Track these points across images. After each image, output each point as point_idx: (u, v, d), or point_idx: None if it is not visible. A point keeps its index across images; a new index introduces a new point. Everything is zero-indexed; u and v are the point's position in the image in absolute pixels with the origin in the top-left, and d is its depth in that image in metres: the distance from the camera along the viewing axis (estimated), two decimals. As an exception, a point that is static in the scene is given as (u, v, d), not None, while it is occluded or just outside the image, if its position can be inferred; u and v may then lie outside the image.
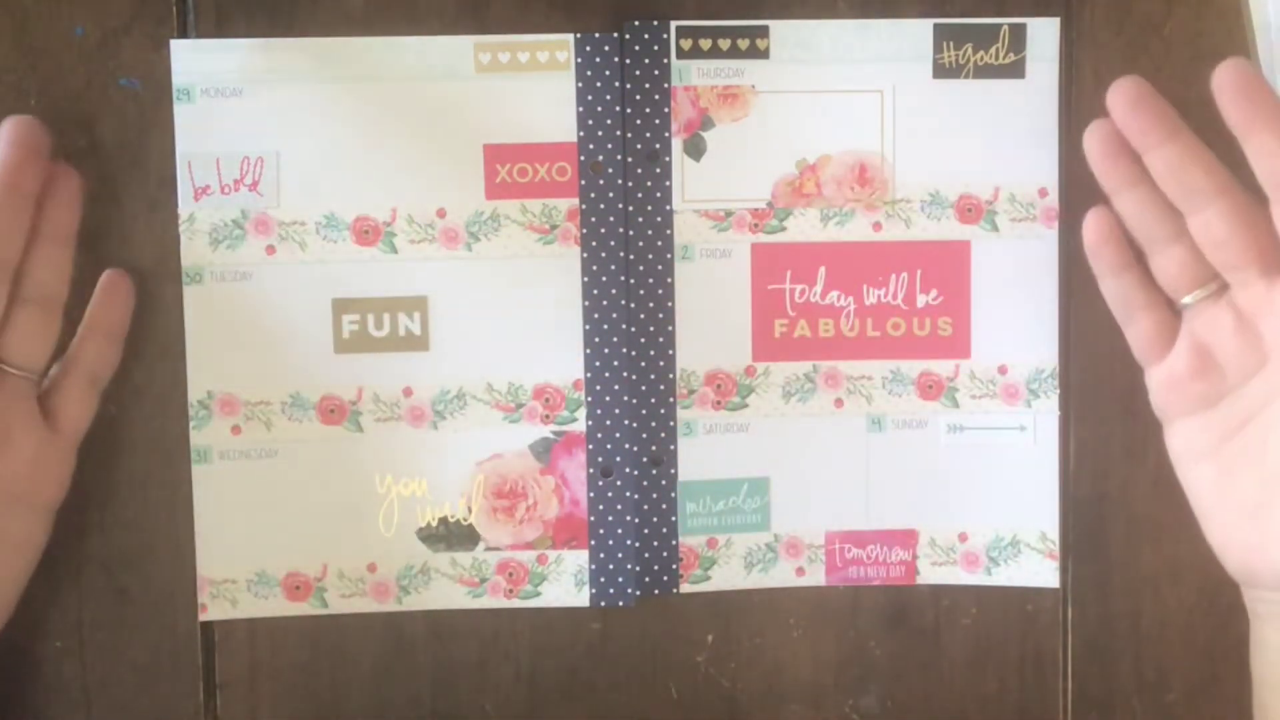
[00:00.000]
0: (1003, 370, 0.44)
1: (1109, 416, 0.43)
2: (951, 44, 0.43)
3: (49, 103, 0.42)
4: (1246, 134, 0.36)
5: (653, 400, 0.43)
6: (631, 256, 0.43)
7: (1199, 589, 0.43)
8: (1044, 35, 0.43)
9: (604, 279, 0.43)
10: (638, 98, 0.43)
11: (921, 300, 0.44)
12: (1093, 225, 0.40)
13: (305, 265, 0.43)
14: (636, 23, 0.42)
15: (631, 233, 0.43)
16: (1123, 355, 0.43)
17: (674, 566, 0.44)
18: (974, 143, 0.43)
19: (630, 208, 0.43)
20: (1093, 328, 0.43)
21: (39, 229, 0.39)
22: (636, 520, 0.43)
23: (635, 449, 0.43)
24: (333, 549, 0.43)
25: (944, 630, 0.44)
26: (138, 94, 0.42)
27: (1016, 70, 0.43)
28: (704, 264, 0.43)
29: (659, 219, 0.43)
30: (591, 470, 0.43)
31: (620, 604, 0.43)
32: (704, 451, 0.44)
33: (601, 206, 0.43)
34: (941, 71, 0.43)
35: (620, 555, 0.43)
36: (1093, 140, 0.39)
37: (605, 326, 0.43)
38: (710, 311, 0.43)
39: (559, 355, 0.43)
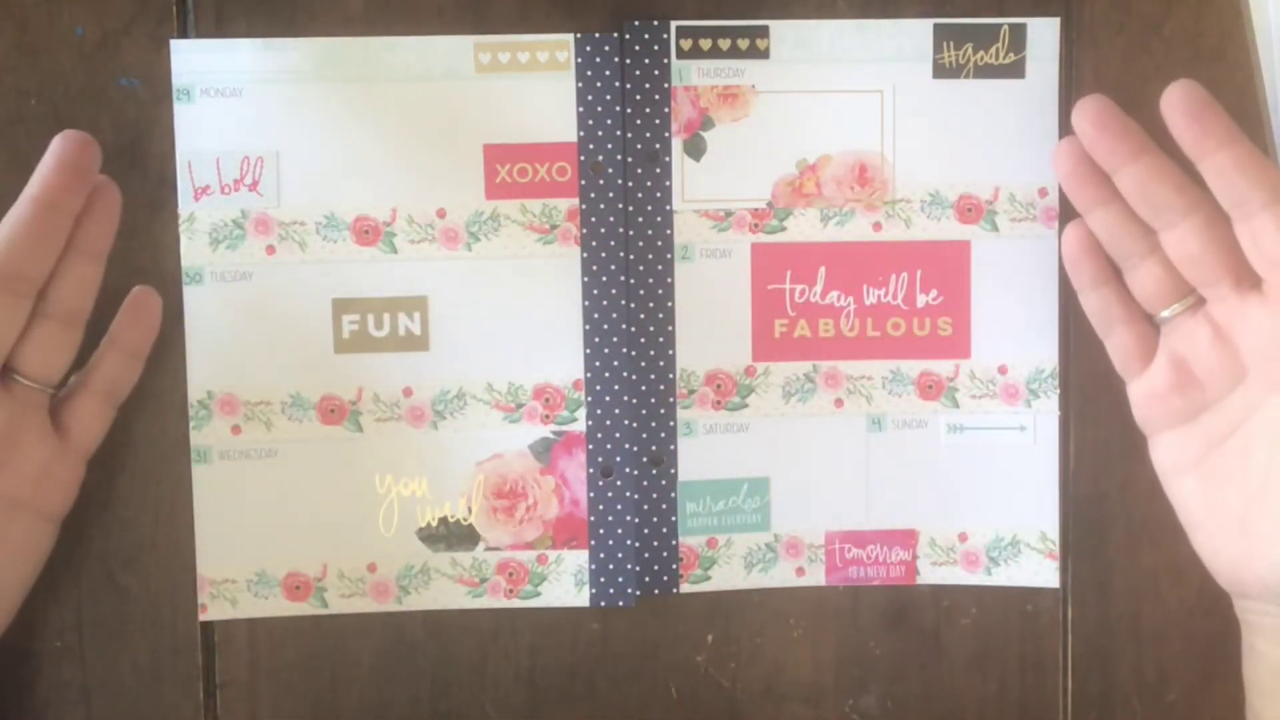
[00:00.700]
0: (1003, 370, 0.44)
1: (1109, 416, 0.43)
2: (951, 44, 0.43)
3: (49, 103, 0.42)
4: (1200, 155, 0.36)
5: (653, 400, 0.43)
6: (631, 256, 0.43)
7: (1199, 589, 0.43)
8: (1044, 35, 0.43)
9: (604, 279, 0.43)
10: (638, 98, 0.43)
11: (921, 300, 0.44)
12: (1070, 239, 0.40)
13: (305, 265, 0.43)
14: (636, 23, 0.42)
15: (631, 233, 0.43)
16: (1123, 355, 0.43)
17: (674, 566, 0.44)
18: (974, 143, 0.43)
19: (630, 208, 0.43)
20: (1092, 328, 0.43)
21: (72, 243, 0.38)
22: (636, 520, 0.43)
23: (635, 449, 0.43)
24: (333, 549, 0.43)
25: (944, 630, 0.44)
26: (138, 94, 0.42)
27: (1016, 70, 0.43)
28: (704, 264, 0.43)
29: (659, 219, 0.43)
30: (591, 470, 0.43)
31: (620, 604, 0.43)
32: (704, 451, 0.44)
33: (601, 206, 0.43)
34: (941, 71, 0.43)
35: (620, 555, 0.43)
36: (1061, 159, 0.39)
37: (605, 326, 0.43)
38: (710, 311, 0.43)
39: (559, 355, 0.43)
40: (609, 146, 0.43)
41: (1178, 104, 0.36)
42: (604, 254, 0.43)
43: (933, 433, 0.44)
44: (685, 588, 0.44)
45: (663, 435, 0.43)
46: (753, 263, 0.43)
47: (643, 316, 0.43)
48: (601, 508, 0.43)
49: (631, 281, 0.43)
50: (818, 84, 0.43)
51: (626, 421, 0.43)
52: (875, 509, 0.44)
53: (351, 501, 0.43)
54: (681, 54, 0.43)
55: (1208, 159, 0.36)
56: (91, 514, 0.42)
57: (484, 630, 0.44)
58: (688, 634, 0.44)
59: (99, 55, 0.42)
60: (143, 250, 0.42)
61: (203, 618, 0.43)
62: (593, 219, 0.43)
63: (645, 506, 0.43)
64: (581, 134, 0.43)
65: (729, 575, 0.44)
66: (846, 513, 0.44)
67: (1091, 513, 0.44)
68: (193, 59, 0.42)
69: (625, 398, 0.43)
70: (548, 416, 0.43)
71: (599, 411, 0.43)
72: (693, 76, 0.43)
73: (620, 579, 0.43)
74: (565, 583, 0.44)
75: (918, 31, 0.43)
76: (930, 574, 0.44)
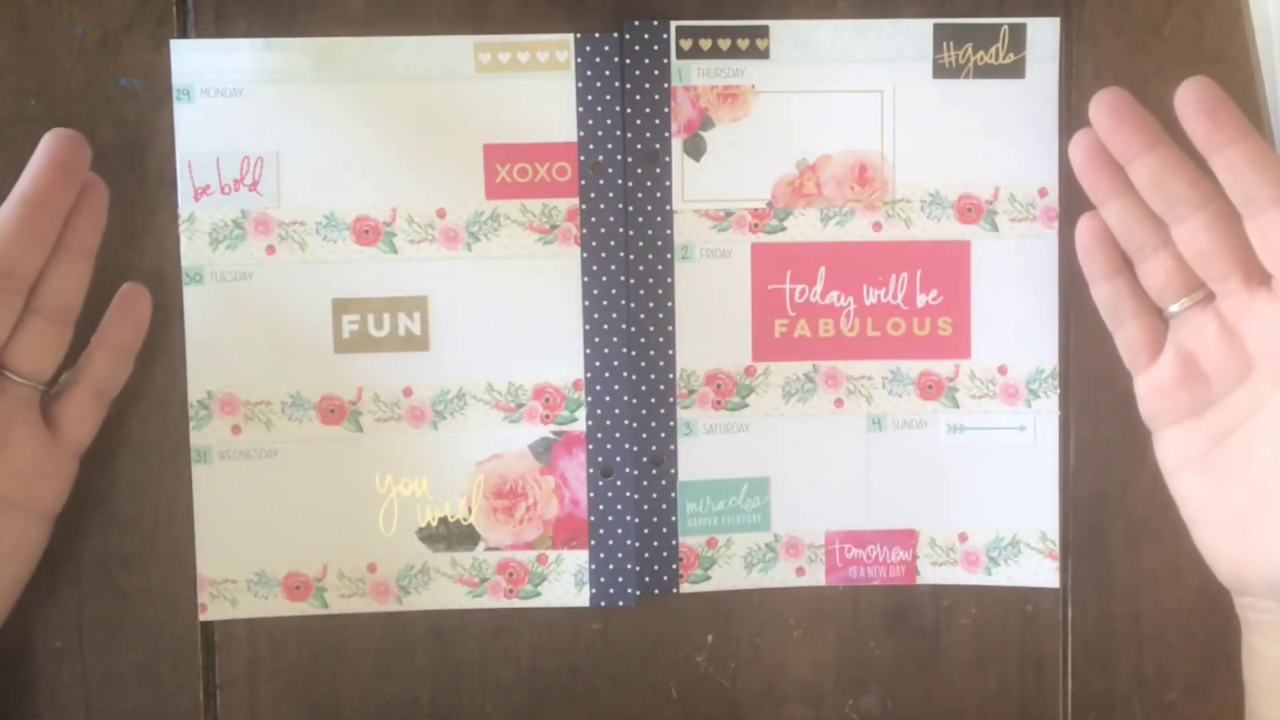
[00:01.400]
0: (1003, 370, 0.44)
1: (1109, 416, 0.43)
2: (951, 44, 0.43)
3: (49, 103, 0.42)
4: (1211, 151, 0.36)
5: (653, 400, 0.43)
6: (631, 256, 0.43)
7: (1199, 589, 0.43)
8: (1044, 35, 0.43)
9: (604, 279, 0.43)
10: (638, 98, 0.43)
11: (921, 300, 0.44)
12: (1084, 231, 0.41)
13: (305, 265, 0.43)
14: (636, 23, 0.42)
15: (631, 233, 0.43)
16: (1123, 355, 0.43)
17: (674, 566, 0.44)
18: (974, 143, 0.43)
19: (630, 208, 0.43)
20: (1093, 328, 0.43)
21: (62, 240, 0.38)
22: (636, 520, 0.43)
23: (635, 449, 0.43)
24: (333, 549, 0.43)
25: (944, 630, 0.44)
26: (138, 94, 0.42)
27: (1016, 70, 0.43)
28: (704, 264, 0.43)
29: (659, 219, 0.43)
30: (591, 470, 0.43)
31: (620, 604, 0.43)
32: (704, 451, 0.44)
33: (601, 206, 0.43)
34: (941, 71, 0.43)
35: (620, 555, 0.43)
36: (1077, 151, 0.40)
37: (605, 326, 0.43)
38: (710, 311, 0.43)
39: (559, 355, 0.43)
40: (609, 146, 0.43)
41: (1191, 99, 0.36)
42: (604, 254, 0.43)
43: (933, 433, 0.44)
44: (685, 588, 0.44)
45: (663, 435, 0.43)
46: (753, 263, 0.43)
47: (643, 316, 0.43)
48: (601, 508, 0.43)
49: (631, 281, 0.43)
50: (818, 84, 0.43)
51: (626, 421, 0.43)
52: (875, 509, 0.44)
53: (351, 501, 0.43)
54: (681, 54, 0.43)
55: (1219, 154, 0.36)
56: (91, 514, 0.42)
57: (484, 630, 0.44)
58: (688, 634, 0.44)
59: (99, 55, 0.42)
60: (143, 250, 0.42)
61: (203, 618, 0.43)
62: (593, 219, 0.43)
63: (645, 506, 0.43)
64: (581, 134, 0.43)
65: (729, 575, 0.44)
66: (846, 513, 0.44)
67: (1091, 513, 0.44)
68: (193, 59, 0.42)
69: (625, 398, 0.43)
70: (548, 416, 0.43)
71: (599, 411, 0.43)
72: (693, 76, 0.43)
73: (620, 579, 0.43)
74: (565, 583, 0.44)
75: (918, 31, 0.43)
76: (930, 574, 0.44)
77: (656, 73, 0.43)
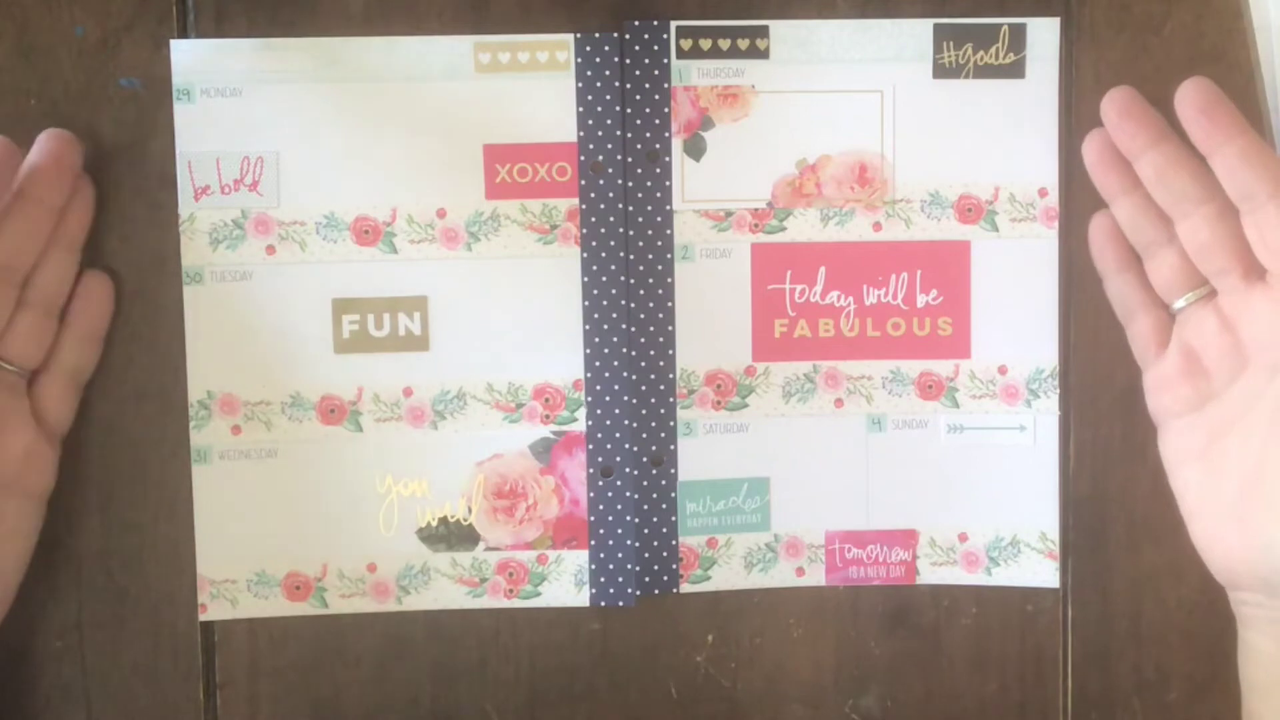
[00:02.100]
0: (1003, 370, 0.44)
1: (1109, 416, 0.43)
2: (951, 44, 0.43)
3: (49, 103, 0.42)
4: (1210, 149, 0.37)
5: (653, 400, 0.43)
6: (631, 256, 0.43)
7: (1199, 589, 0.43)
8: (1044, 35, 0.43)
9: (604, 279, 0.43)
10: (638, 98, 0.43)
11: (921, 300, 0.44)
12: (1097, 227, 0.42)
13: (305, 265, 0.43)
14: (636, 23, 0.42)
15: (631, 233, 0.43)
16: (1123, 355, 0.43)
17: (674, 566, 0.44)
18: (974, 143, 0.43)
19: (630, 208, 0.43)
20: (1093, 328, 0.43)
21: (54, 235, 0.40)
22: (636, 520, 0.43)
23: (635, 449, 0.43)
24: (333, 549, 0.43)
25: (944, 630, 0.44)
26: (138, 94, 0.42)
27: (1016, 70, 0.43)
28: (704, 264, 0.43)
29: (659, 219, 0.43)
30: (591, 470, 0.43)
31: (620, 604, 0.43)
32: (704, 451, 0.44)
33: (601, 206, 0.43)
34: (941, 71, 0.43)
35: (620, 555, 0.43)
36: (1090, 149, 0.41)
37: (605, 326, 0.43)
38: (710, 311, 0.43)
39: (559, 355, 0.43)
40: (609, 146, 0.43)
41: (1189, 99, 0.37)
42: (604, 254, 0.43)
43: (933, 433, 0.44)
44: (685, 588, 0.44)
45: (663, 435, 0.43)
46: (753, 263, 0.43)
47: (643, 316, 0.43)
48: (601, 508, 0.43)
49: (631, 281, 0.43)
50: (818, 84, 0.43)
51: (626, 421, 0.43)
52: (875, 509, 0.44)
53: (351, 501, 0.43)
54: (681, 54, 0.43)
55: (1217, 153, 0.37)
56: (91, 514, 0.42)
57: (484, 630, 0.44)
58: (688, 634, 0.44)
59: (99, 55, 0.42)
60: (143, 250, 0.42)
61: (203, 618, 0.43)
62: (593, 219, 0.43)
63: (645, 506, 0.43)
64: (581, 134, 0.43)
65: (729, 575, 0.44)
66: (846, 513, 0.44)
67: (1091, 513, 0.44)
68: (193, 59, 0.42)
69: (625, 398, 0.43)
70: (548, 416, 0.43)
71: (599, 411, 0.43)
72: (693, 76, 0.43)
73: (620, 579, 0.43)
74: (565, 583, 0.44)
75: (918, 31, 0.43)
76: (930, 574, 0.44)
77: (656, 73, 0.43)
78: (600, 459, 0.43)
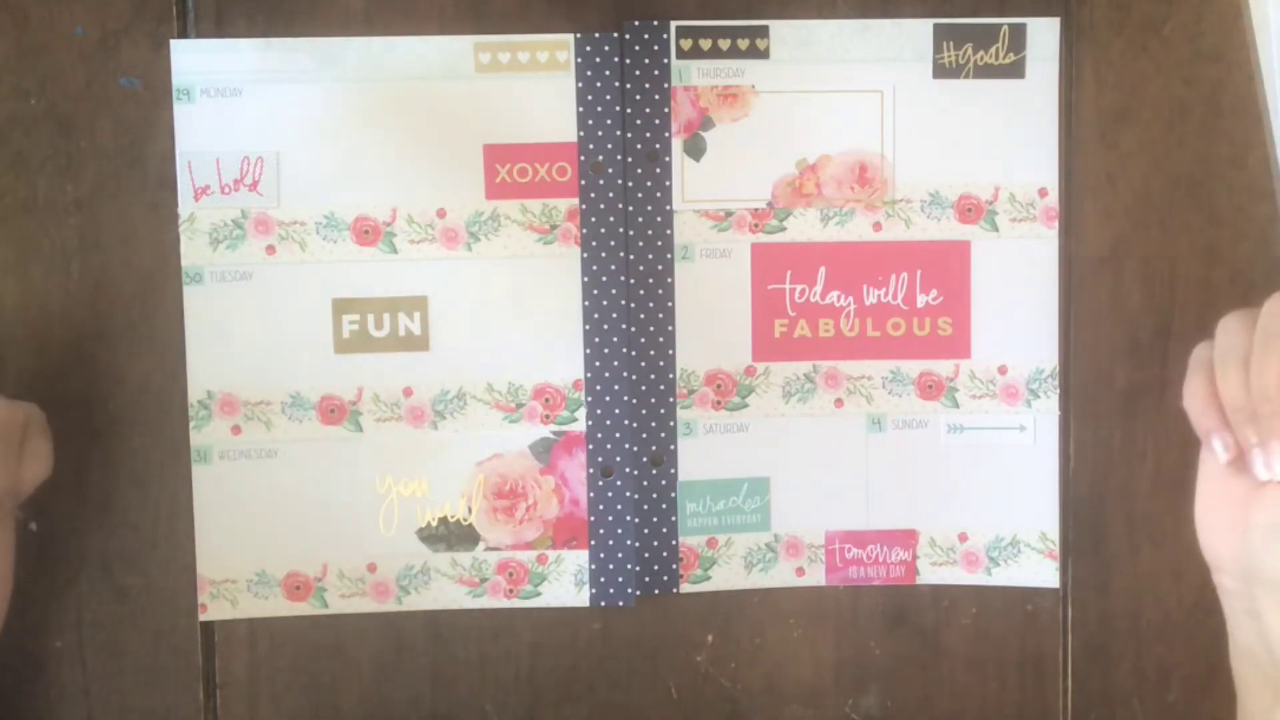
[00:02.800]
0: (1002, 370, 0.44)
1: (1109, 416, 0.43)
2: (951, 44, 0.43)
3: (49, 103, 0.42)
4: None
5: (653, 400, 0.43)
6: (631, 256, 0.43)
7: (1199, 589, 0.43)
8: (1044, 35, 0.43)
9: (604, 279, 0.43)
10: (638, 98, 0.43)
11: (921, 300, 0.44)
12: (1192, 394, 0.39)
13: (305, 265, 0.42)
14: (636, 23, 0.42)
15: (631, 233, 0.43)
16: (1123, 355, 0.43)
17: (674, 566, 0.44)
18: (974, 143, 0.43)
19: (630, 208, 0.43)
20: (1093, 328, 0.43)
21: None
22: (636, 520, 0.43)
23: (635, 449, 0.43)
24: (333, 549, 0.43)
25: (944, 630, 0.44)
26: (138, 94, 0.42)
27: (1016, 70, 0.43)
28: (704, 264, 0.43)
29: (659, 219, 0.43)
30: (591, 470, 0.43)
31: (620, 604, 0.43)
32: (704, 451, 0.44)
33: (601, 206, 0.43)
34: (941, 71, 0.43)
35: (620, 555, 0.43)
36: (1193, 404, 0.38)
37: (605, 326, 0.43)
38: (710, 311, 0.43)
39: (559, 355, 0.43)
40: (609, 146, 0.43)
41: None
42: (604, 254, 0.43)
43: (933, 433, 0.44)
44: (685, 588, 0.44)
45: (663, 435, 0.43)
46: (753, 263, 0.43)
47: (643, 316, 0.43)
48: (601, 508, 0.43)
49: (631, 281, 0.43)
50: (818, 84, 0.43)
51: (626, 421, 0.43)
52: (875, 509, 0.44)
53: (351, 501, 0.43)
54: (681, 54, 0.43)
55: None
56: (91, 514, 0.42)
57: (484, 630, 0.44)
58: (688, 634, 0.44)
59: (99, 55, 0.42)
60: (143, 250, 0.42)
61: (203, 618, 0.43)
62: (593, 219, 0.43)
63: (645, 506, 0.43)
64: (581, 134, 0.43)
65: (729, 575, 0.44)
66: (846, 513, 0.44)
67: (1091, 513, 0.44)
68: (193, 59, 0.42)
69: (625, 398, 0.43)
70: (548, 416, 0.43)
71: (599, 411, 0.43)
72: (693, 76, 0.43)
73: (620, 579, 0.43)
74: (565, 583, 0.44)
75: (918, 31, 0.43)
76: (930, 574, 0.44)
77: (656, 73, 0.43)
78: (600, 459, 0.43)
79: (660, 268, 0.43)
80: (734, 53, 0.43)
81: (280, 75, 0.42)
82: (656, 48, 0.43)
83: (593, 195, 0.43)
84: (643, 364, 0.43)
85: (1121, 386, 0.43)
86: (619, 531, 0.43)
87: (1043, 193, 0.43)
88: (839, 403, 0.44)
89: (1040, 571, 0.44)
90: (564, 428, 0.43)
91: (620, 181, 0.43)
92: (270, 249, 0.42)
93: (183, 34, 0.42)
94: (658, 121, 0.43)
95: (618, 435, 0.43)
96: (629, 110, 0.43)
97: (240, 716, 0.43)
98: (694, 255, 0.43)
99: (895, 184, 0.43)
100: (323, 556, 0.43)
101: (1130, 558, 0.44)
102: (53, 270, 0.42)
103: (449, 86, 0.42)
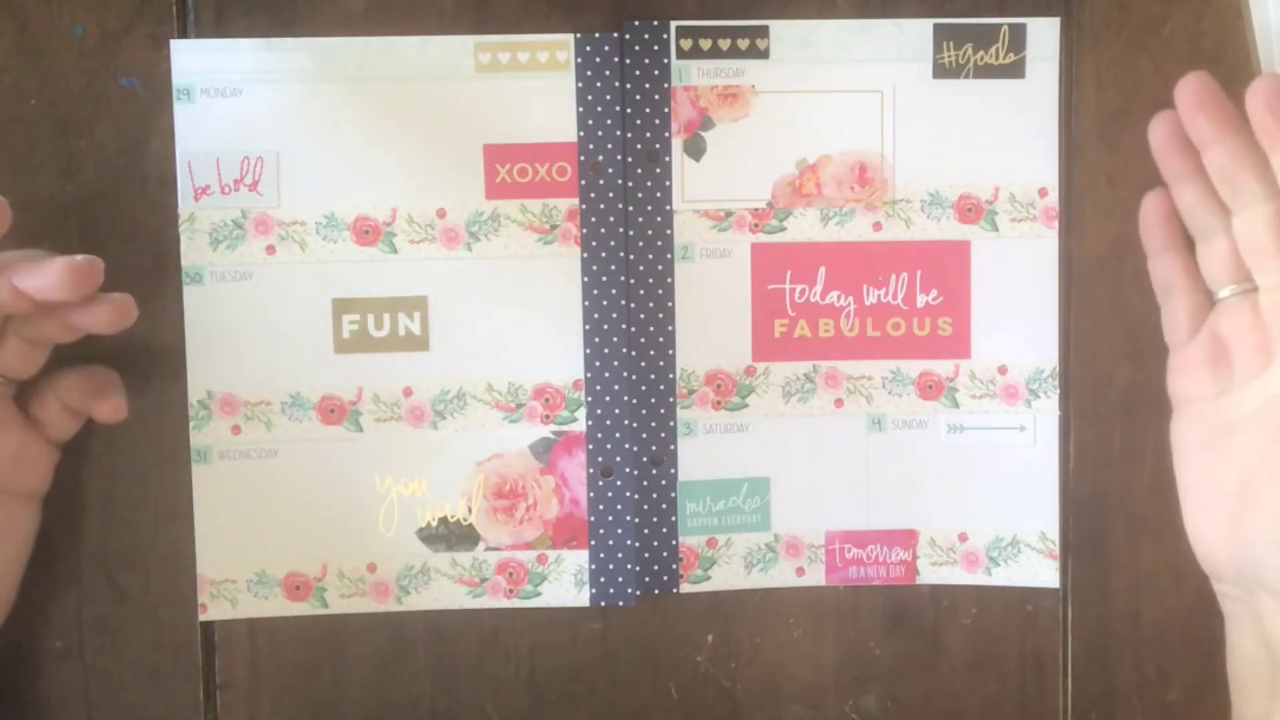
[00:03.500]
0: (1003, 370, 0.44)
1: (1109, 416, 0.43)
2: (951, 44, 0.43)
3: (49, 103, 0.42)
4: (1272, 148, 0.37)
5: (653, 400, 0.43)
6: (631, 256, 0.43)
7: (1199, 589, 0.43)
8: (1044, 35, 0.43)
9: (604, 279, 0.43)
10: (638, 98, 0.43)
11: (921, 300, 0.44)
12: (1150, 205, 0.41)
13: (305, 265, 0.43)
14: (636, 23, 0.42)
15: (631, 233, 0.43)
16: (1123, 355, 0.43)
17: (674, 566, 0.44)
18: (974, 143, 0.43)
19: (630, 208, 0.43)
20: (1093, 328, 0.43)
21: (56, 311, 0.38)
22: (636, 520, 0.43)
23: (635, 449, 0.43)
24: (333, 549, 0.43)
25: (944, 630, 0.44)
26: (138, 94, 0.42)
27: (1016, 70, 0.43)
28: (704, 264, 0.43)
29: (659, 219, 0.43)
30: (591, 470, 0.43)
31: (620, 604, 0.43)
32: (704, 451, 0.44)
33: (601, 206, 0.43)
34: (941, 71, 0.43)
35: (620, 555, 0.43)
36: (1157, 130, 0.40)
37: (605, 326, 0.43)
38: (710, 311, 0.43)
39: (559, 355, 0.43)
40: (609, 146, 0.43)
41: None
42: (604, 254, 0.43)
43: (933, 433, 0.44)
44: (685, 588, 0.44)
45: (663, 435, 0.43)
46: (753, 263, 0.43)
47: (643, 316, 0.43)
48: (601, 508, 0.43)
49: (631, 281, 0.43)
50: (818, 84, 0.43)
51: (626, 421, 0.43)
52: (875, 509, 0.44)
53: (351, 501, 0.43)
54: (681, 54, 0.43)
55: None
56: (91, 514, 0.42)
57: (484, 630, 0.44)
58: (688, 634, 0.44)
59: (99, 55, 0.42)
60: (143, 250, 0.42)
61: (203, 618, 0.43)
62: (593, 219, 0.43)
63: (645, 506, 0.43)
64: (581, 134, 0.43)
65: (729, 575, 0.44)
66: (846, 513, 0.44)
67: (1091, 513, 0.44)
68: (193, 59, 0.42)
69: (625, 398, 0.43)
70: (548, 416, 0.43)
71: (599, 411, 0.43)
72: (693, 76, 0.43)
73: (620, 579, 0.43)
74: (565, 583, 0.44)
75: (918, 31, 0.43)
76: (930, 574, 0.44)
77: (656, 73, 0.43)
78: (600, 459, 0.43)
79: (660, 268, 0.43)
80: (734, 53, 0.43)
81: (280, 75, 0.42)
82: (656, 48, 0.43)
83: (593, 195, 0.43)
84: (643, 364, 0.43)
85: (1121, 386, 0.43)
86: (619, 531, 0.43)
87: (1043, 193, 0.43)
88: (839, 403, 0.44)
89: (1040, 571, 0.44)
90: (564, 428, 0.43)
91: (620, 181, 0.43)
92: (270, 249, 0.42)
93: (183, 34, 0.42)
94: (658, 121, 0.43)
95: (618, 435, 0.43)
96: (629, 110, 0.43)
97: (240, 716, 0.43)
98: (694, 255, 0.43)
99: (895, 184, 0.43)
100: (323, 556, 0.43)
101: (1130, 558, 0.44)
102: (53, 270, 0.42)
103: (449, 86, 0.42)
